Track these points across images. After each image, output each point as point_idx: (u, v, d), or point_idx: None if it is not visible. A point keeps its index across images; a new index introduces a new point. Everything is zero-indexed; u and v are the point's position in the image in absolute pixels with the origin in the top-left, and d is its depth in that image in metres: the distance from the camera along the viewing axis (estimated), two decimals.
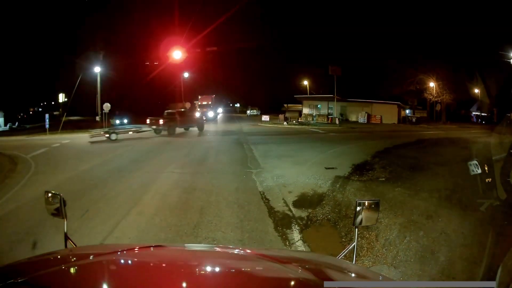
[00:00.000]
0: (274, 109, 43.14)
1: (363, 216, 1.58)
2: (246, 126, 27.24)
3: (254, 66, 56.50)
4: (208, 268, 1.33)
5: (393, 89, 34.73)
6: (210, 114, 36.21)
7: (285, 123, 30.83)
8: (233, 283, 1.14)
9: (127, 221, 4.81)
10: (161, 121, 18.77)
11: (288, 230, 4.47)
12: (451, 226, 4.04)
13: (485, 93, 30.93)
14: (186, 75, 42.40)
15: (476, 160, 4.50)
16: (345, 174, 7.59)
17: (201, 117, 23.74)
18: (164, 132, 18.73)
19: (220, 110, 51.37)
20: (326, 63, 34.66)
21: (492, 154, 5.52)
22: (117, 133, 16.39)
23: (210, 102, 38.59)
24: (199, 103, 38.48)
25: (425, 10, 40.45)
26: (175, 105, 26.98)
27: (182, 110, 22.76)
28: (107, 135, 16.11)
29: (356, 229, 1.63)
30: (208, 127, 24.12)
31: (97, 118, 25.65)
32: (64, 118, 25.32)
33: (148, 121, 19.25)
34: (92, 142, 15.25)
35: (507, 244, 3.01)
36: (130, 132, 17.40)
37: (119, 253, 1.40)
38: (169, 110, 21.59)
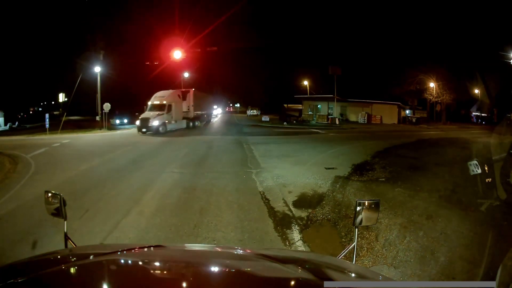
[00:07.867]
0: (274, 109, 43.10)
1: (363, 216, 1.58)
2: (246, 127, 27.22)
3: (255, 66, 56.48)
4: (208, 268, 1.33)
5: (393, 89, 34.73)
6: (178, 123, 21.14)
7: (285, 123, 30.84)
8: (233, 283, 1.14)
9: (127, 221, 4.80)
10: None
11: (288, 230, 4.46)
12: (451, 226, 4.05)
13: (485, 94, 30.94)
14: (186, 75, 42.17)
15: (476, 160, 4.51)
16: (345, 174, 7.58)
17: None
18: None
19: (219, 111, 48.51)
20: (326, 63, 34.79)
21: (492, 154, 5.53)
22: None
23: (180, 98, 22.38)
24: (154, 103, 20.90)
25: (425, 10, 40.46)
26: None
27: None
28: None
29: (356, 229, 1.64)
30: (206, 128, 24.01)
31: (97, 118, 25.66)
32: (64, 118, 25.30)
33: None
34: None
35: (507, 244, 3.02)
36: None
37: (119, 253, 1.40)
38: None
